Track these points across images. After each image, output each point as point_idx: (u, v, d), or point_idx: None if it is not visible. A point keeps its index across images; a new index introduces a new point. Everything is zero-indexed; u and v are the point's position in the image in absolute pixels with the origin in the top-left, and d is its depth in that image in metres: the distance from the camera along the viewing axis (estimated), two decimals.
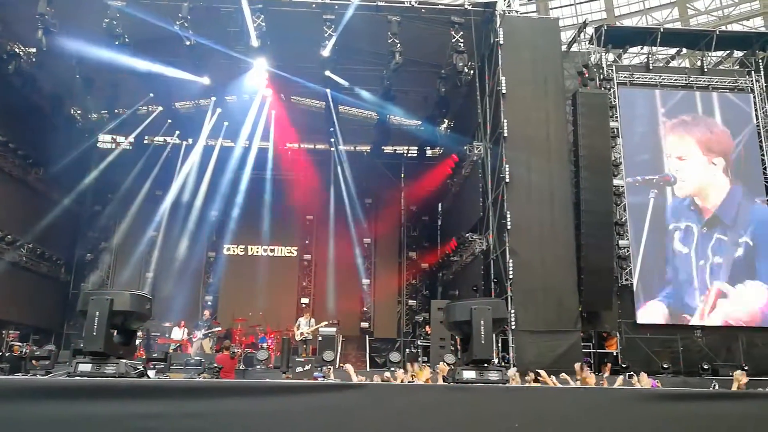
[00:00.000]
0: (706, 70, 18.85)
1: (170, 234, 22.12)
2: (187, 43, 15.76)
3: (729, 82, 18.79)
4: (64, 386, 3.56)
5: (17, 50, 17.05)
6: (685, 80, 18.61)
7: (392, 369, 12.60)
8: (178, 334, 17.13)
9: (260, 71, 18.22)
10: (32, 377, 6.76)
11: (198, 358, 14.12)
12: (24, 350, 12.84)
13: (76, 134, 20.30)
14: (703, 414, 3.91)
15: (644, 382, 11.46)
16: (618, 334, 16.53)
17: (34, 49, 16.97)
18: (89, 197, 21.82)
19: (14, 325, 16.95)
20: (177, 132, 22.54)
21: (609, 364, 16.05)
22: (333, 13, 15.71)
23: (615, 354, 16.35)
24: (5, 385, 3.61)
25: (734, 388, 10.11)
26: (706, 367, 15.61)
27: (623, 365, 15.76)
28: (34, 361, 12.12)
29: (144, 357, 12.49)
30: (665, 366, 15.58)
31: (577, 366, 11.33)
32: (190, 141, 22.69)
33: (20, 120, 17.73)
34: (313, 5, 15.80)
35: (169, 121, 21.83)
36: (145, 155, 22.42)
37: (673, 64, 19.76)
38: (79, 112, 20.92)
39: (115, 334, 4.51)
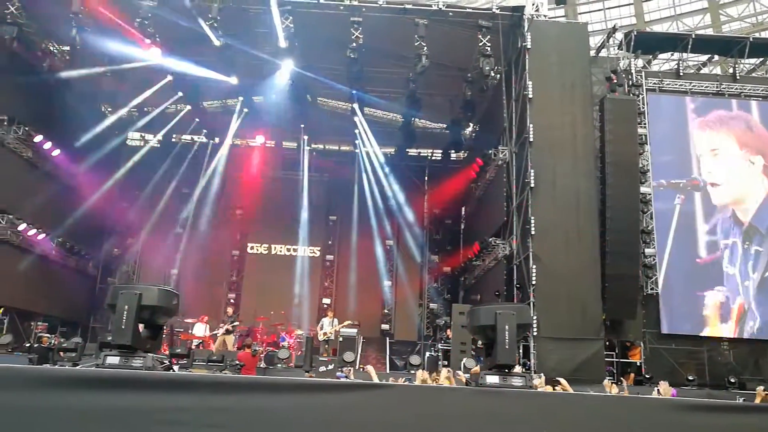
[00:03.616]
0: (738, 77, 18.49)
1: (195, 231, 22.39)
2: (216, 43, 15.97)
3: (762, 90, 18.39)
4: (93, 377, 3.63)
5: (51, 48, 17.44)
6: (717, 87, 18.28)
7: (412, 371, 12.57)
8: (200, 329, 17.28)
9: (287, 72, 18.37)
10: (63, 368, 6.91)
11: (220, 354, 14.23)
12: (52, 342, 13.10)
13: (106, 131, 20.67)
14: (729, 425, 3.85)
15: (664, 389, 11.29)
16: (642, 344, 16.30)
17: (67, 48, 17.34)
18: (118, 193, 22.17)
19: (42, 317, 17.34)
20: (204, 131, 22.85)
21: (632, 375, 15.84)
22: (360, 16, 15.78)
23: (638, 364, 16.12)
24: (37, 374, 3.70)
25: (757, 402, 9.91)
26: (732, 380, 15.27)
27: (647, 375, 15.53)
28: (61, 353, 12.34)
29: (168, 352, 12.66)
30: (690, 378, 15.29)
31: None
32: (217, 140, 22.97)
33: (53, 117, 18.10)
34: (341, 7, 15.88)
35: (197, 120, 22.12)
36: (172, 153, 22.77)
37: (705, 71, 19.42)
38: (109, 109, 21.29)
39: (142, 328, 4.58)
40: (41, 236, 17.74)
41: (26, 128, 16.97)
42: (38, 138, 17.38)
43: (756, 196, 17.35)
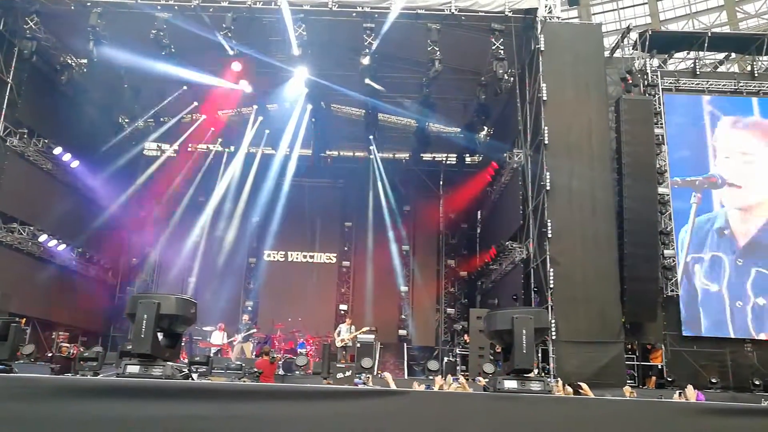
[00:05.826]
0: (756, 74, 18.23)
1: (212, 239, 22.56)
2: (230, 52, 16.11)
3: None
4: (114, 387, 3.67)
5: (69, 61, 17.72)
6: (735, 85, 18.06)
7: (430, 377, 12.53)
8: (218, 338, 17.39)
9: (301, 79, 18.47)
10: (85, 377, 6.98)
11: (239, 362, 14.32)
12: (71, 351, 13.24)
13: (123, 142, 20.94)
14: (755, 430, 3.77)
15: (690, 394, 11.11)
16: (663, 347, 16.08)
17: (85, 60, 17.60)
18: (135, 203, 22.42)
19: (64, 327, 17.56)
20: (219, 139, 23.05)
21: (654, 378, 15.63)
22: (373, 22, 15.81)
23: (660, 367, 15.90)
24: (59, 384, 3.75)
25: None
26: (757, 382, 15.02)
27: (669, 379, 15.32)
28: (82, 362, 12.47)
29: (187, 360, 12.74)
30: (713, 380, 15.07)
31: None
32: (232, 148, 23.14)
33: (72, 129, 18.38)
34: (354, 14, 15.92)
35: (212, 129, 22.31)
36: (188, 162, 22.98)
37: (722, 69, 19.19)
38: (126, 120, 21.56)
39: (161, 337, 4.62)
40: (61, 247, 17.98)
41: (46, 141, 17.29)
42: (57, 150, 17.66)
43: (765, 208, 16.80)
